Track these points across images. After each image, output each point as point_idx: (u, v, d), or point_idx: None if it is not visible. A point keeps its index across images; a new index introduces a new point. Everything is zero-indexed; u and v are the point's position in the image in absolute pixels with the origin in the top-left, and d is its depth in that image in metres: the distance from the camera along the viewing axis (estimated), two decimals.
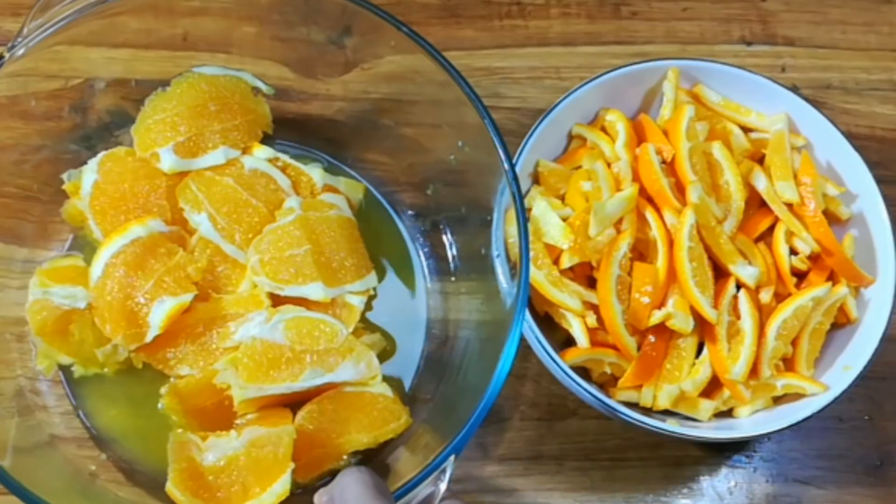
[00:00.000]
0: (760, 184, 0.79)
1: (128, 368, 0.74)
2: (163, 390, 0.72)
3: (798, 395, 0.76)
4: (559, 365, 0.72)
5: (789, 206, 0.79)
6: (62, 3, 0.69)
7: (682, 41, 0.94)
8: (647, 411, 0.75)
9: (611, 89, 0.81)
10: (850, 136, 0.80)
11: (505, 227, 0.68)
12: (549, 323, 0.77)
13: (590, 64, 0.91)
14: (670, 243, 0.76)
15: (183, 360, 0.73)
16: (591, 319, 0.75)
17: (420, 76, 0.76)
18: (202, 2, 0.83)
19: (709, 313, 0.74)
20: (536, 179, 0.81)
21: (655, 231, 0.76)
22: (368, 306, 0.77)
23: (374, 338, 0.77)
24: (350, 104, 0.83)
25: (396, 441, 0.73)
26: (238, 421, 0.72)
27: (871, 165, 0.79)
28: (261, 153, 0.78)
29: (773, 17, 0.95)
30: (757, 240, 0.79)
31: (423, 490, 0.60)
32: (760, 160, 0.82)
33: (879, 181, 0.79)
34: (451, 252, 0.81)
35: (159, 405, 0.72)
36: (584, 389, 0.72)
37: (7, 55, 0.68)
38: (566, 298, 0.75)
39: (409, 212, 0.82)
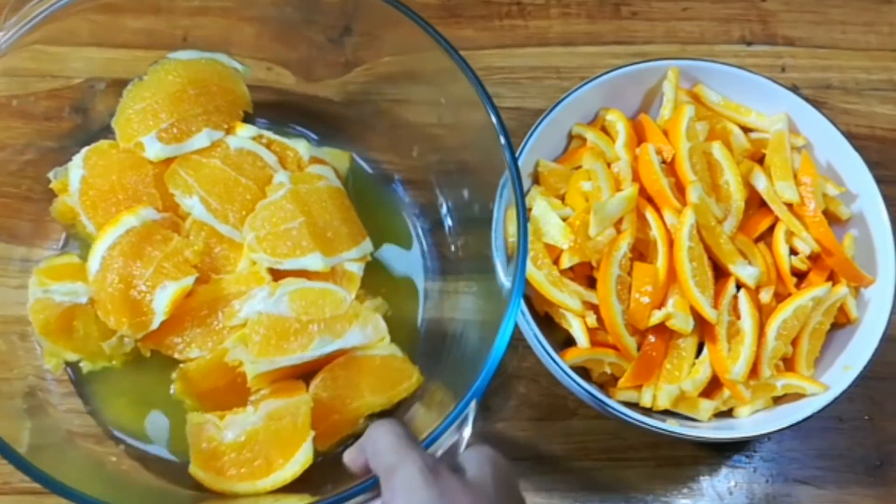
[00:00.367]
0: (760, 184, 0.79)
1: (136, 359, 0.75)
2: (174, 376, 0.73)
3: (798, 395, 0.76)
4: (559, 365, 0.72)
5: (789, 206, 0.79)
6: (32, 2, 0.69)
7: (682, 41, 0.94)
8: (647, 411, 0.75)
9: (611, 89, 0.81)
10: (850, 136, 0.80)
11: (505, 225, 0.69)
12: (549, 323, 0.77)
13: (590, 64, 0.91)
14: (670, 243, 0.76)
15: (191, 344, 0.73)
16: (591, 319, 0.75)
17: (420, 74, 0.76)
18: (202, 2, 0.83)
19: (709, 313, 0.74)
20: (536, 179, 0.81)
21: (655, 231, 0.76)
22: (366, 270, 0.78)
23: (377, 302, 0.77)
24: (350, 97, 0.83)
25: (410, 400, 0.74)
26: (253, 397, 0.72)
27: (871, 165, 0.79)
28: (244, 132, 0.79)
29: (773, 17, 0.95)
30: (757, 240, 0.79)
31: (448, 439, 0.60)
32: (760, 160, 0.82)
33: (879, 181, 0.79)
34: (447, 223, 0.82)
35: (171, 391, 0.73)
36: (584, 389, 0.72)
37: None
38: (566, 298, 0.75)
39: (398, 176, 0.83)
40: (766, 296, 0.77)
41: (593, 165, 0.78)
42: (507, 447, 0.79)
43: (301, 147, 0.79)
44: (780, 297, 0.78)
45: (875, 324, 0.76)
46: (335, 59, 0.82)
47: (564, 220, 0.77)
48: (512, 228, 0.66)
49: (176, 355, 0.73)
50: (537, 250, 0.76)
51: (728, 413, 0.77)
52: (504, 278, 0.66)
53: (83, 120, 0.80)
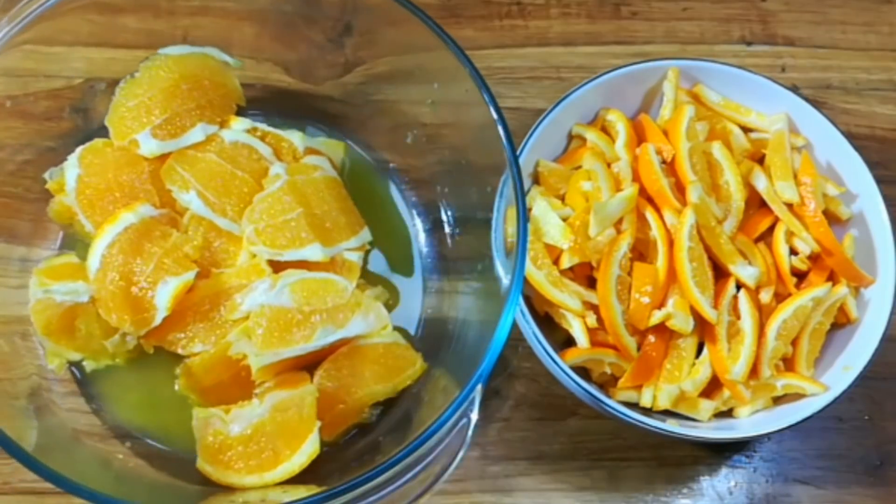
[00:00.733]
0: (760, 184, 0.79)
1: (139, 356, 0.75)
2: (178, 371, 0.73)
3: (798, 395, 0.76)
4: (559, 365, 0.72)
5: (789, 206, 0.79)
6: (21, 3, 0.69)
7: (682, 41, 0.94)
8: (647, 411, 0.75)
9: (611, 89, 0.81)
10: (850, 136, 0.80)
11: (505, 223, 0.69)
12: (549, 323, 0.77)
13: (590, 64, 0.91)
14: (670, 243, 0.76)
15: (194, 339, 0.74)
16: (591, 319, 0.75)
17: (421, 73, 0.76)
18: (202, 2, 0.83)
19: (709, 313, 0.74)
20: (536, 179, 0.81)
21: (655, 231, 0.76)
22: (365, 261, 0.79)
23: (377, 290, 0.78)
24: (350, 96, 0.83)
25: (414, 388, 0.74)
26: (257, 390, 0.73)
27: (871, 165, 0.79)
28: (238, 125, 0.79)
29: (773, 17, 0.95)
30: (757, 240, 0.79)
31: (457, 422, 0.61)
32: (760, 160, 0.82)
33: (879, 181, 0.79)
34: (447, 223, 0.82)
35: (175, 387, 0.73)
36: (584, 389, 0.72)
37: None
38: (566, 298, 0.75)
39: (398, 175, 0.84)
40: (766, 296, 0.77)
41: (593, 165, 0.78)
42: (507, 447, 0.79)
43: (296, 138, 0.79)
44: (780, 297, 0.78)
45: (875, 324, 0.76)
46: (335, 58, 0.82)
47: (564, 220, 0.77)
48: (512, 228, 0.66)
49: (179, 351, 0.74)
50: (537, 250, 0.76)
51: (728, 413, 0.77)
52: (504, 277, 0.66)
53: (83, 120, 0.80)
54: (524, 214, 0.65)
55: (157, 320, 0.72)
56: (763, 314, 0.77)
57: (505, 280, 0.66)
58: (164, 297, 0.72)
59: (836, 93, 0.93)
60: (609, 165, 0.79)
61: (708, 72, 0.82)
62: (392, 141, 0.83)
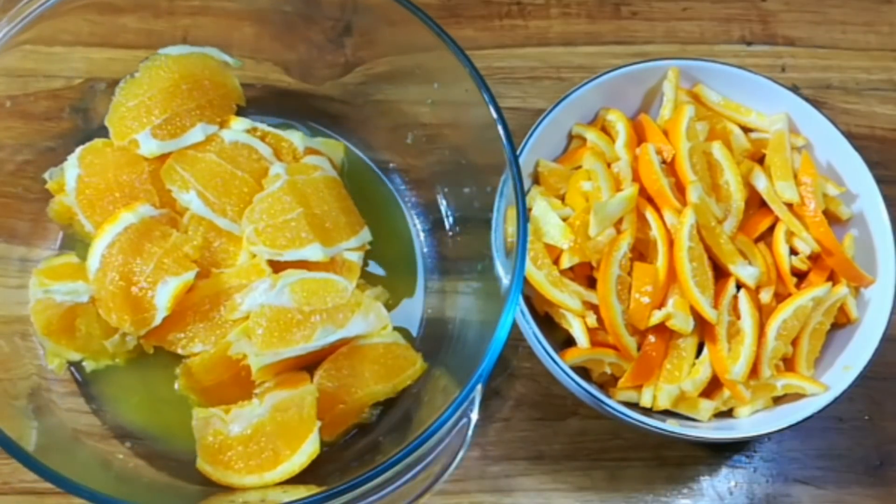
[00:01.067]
0: (760, 184, 0.79)
1: (139, 356, 0.75)
2: (177, 371, 0.74)
3: (798, 395, 0.76)
4: (559, 365, 0.72)
5: (789, 206, 0.79)
6: (21, 3, 0.69)
7: (682, 41, 0.94)
8: (647, 411, 0.75)
9: (611, 89, 0.81)
10: (850, 136, 0.80)
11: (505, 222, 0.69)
12: (549, 323, 0.77)
13: (590, 64, 0.91)
14: (670, 243, 0.76)
15: (194, 339, 0.74)
16: (591, 319, 0.75)
17: (421, 73, 0.76)
18: (202, 2, 0.83)
19: (709, 313, 0.74)
20: (536, 179, 0.81)
21: (655, 231, 0.76)
22: (365, 261, 0.79)
23: (377, 290, 0.78)
24: (350, 96, 0.83)
25: (414, 388, 0.74)
26: (257, 390, 0.73)
27: (871, 165, 0.79)
28: (238, 125, 0.79)
29: (773, 17, 0.95)
30: (757, 240, 0.79)
31: (457, 422, 0.61)
32: (760, 160, 0.82)
33: (879, 181, 0.79)
34: (447, 223, 0.82)
35: (175, 387, 0.73)
36: (584, 389, 0.72)
37: None
38: (566, 298, 0.75)
39: (398, 175, 0.84)
40: (766, 296, 0.77)
41: (593, 165, 0.78)
42: (507, 447, 0.79)
43: (295, 138, 0.79)
44: (780, 297, 0.78)
45: (875, 324, 0.76)
46: (335, 58, 0.82)
47: (564, 220, 0.77)
48: (512, 228, 0.66)
49: (179, 351, 0.74)
50: (537, 250, 0.76)
51: (728, 413, 0.77)
52: (504, 277, 0.66)
53: (83, 120, 0.80)
54: (524, 214, 0.65)
55: (157, 320, 0.72)
56: (763, 314, 0.77)
57: (505, 280, 0.66)
58: (164, 297, 0.72)
59: (836, 93, 0.93)
60: (609, 165, 0.79)
61: (708, 72, 0.82)
62: (392, 141, 0.83)
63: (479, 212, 0.74)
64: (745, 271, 0.76)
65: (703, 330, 0.76)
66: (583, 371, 0.76)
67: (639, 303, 0.74)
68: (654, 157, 0.78)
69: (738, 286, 0.77)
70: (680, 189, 0.78)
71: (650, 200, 0.78)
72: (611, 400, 0.73)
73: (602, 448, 0.80)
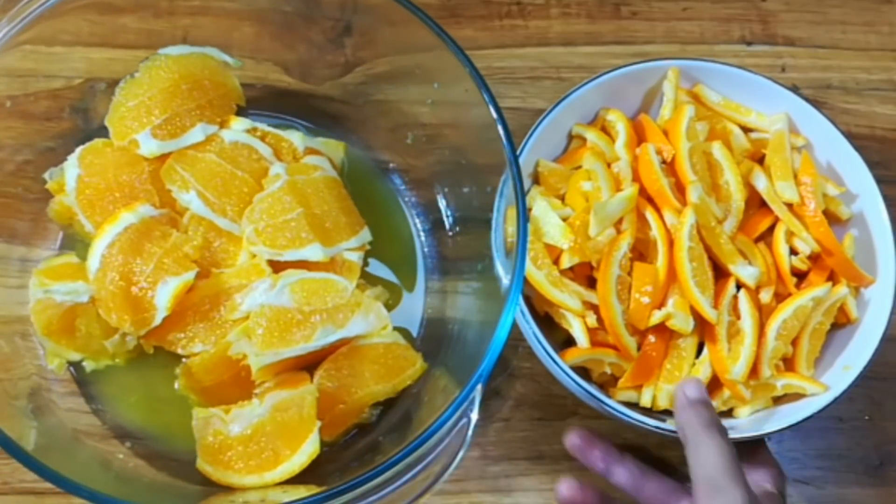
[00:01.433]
0: (760, 184, 0.79)
1: (139, 356, 0.75)
2: (177, 371, 0.74)
3: (798, 395, 0.76)
4: (559, 365, 0.72)
5: (789, 206, 0.79)
6: (21, 3, 0.69)
7: (682, 41, 0.94)
8: (647, 411, 0.75)
9: (611, 89, 0.81)
10: (850, 136, 0.80)
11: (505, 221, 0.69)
12: (549, 323, 0.77)
13: (590, 64, 0.91)
14: (670, 243, 0.76)
15: (194, 339, 0.74)
16: (591, 319, 0.75)
17: (421, 73, 0.76)
18: (202, 2, 0.83)
19: (709, 313, 0.74)
20: (536, 179, 0.81)
21: (655, 231, 0.76)
22: (365, 261, 0.79)
23: (377, 290, 0.78)
24: (350, 96, 0.83)
25: (414, 388, 0.74)
26: (257, 390, 0.73)
27: (871, 165, 0.79)
28: (238, 125, 0.79)
29: (773, 17, 0.95)
30: (757, 240, 0.79)
31: (457, 422, 0.61)
32: (760, 160, 0.82)
33: (879, 181, 0.79)
34: (447, 223, 0.82)
35: (175, 387, 0.73)
36: (584, 389, 0.72)
37: None
38: (566, 298, 0.75)
39: (398, 175, 0.84)
40: (766, 296, 0.77)
41: (593, 165, 0.78)
42: (507, 447, 0.79)
43: (295, 138, 0.79)
44: (780, 297, 0.78)
45: (875, 324, 0.76)
46: (335, 58, 0.82)
47: (564, 220, 0.77)
48: (512, 228, 0.66)
49: (179, 351, 0.74)
50: (537, 250, 0.76)
51: (728, 413, 0.77)
52: (504, 277, 0.66)
53: (83, 120, 0.80)
54: (524, 214, 0.65)
55: (157, 320, 0.72)
56: (763, 314, 0.77)
57: (505, 280, 0.66)
58: (164, 297, 0.72)
59: (836, 93, 0.93)
60: (609, 165, 0.79)
61: (708, 72, 0.83)
62: (392, 141, 0.83)
63: (479, 212, 0.74)
64: (745, 271, 0.76)
65: (703, 330, 0.76)
66: (583, 371, 0.76)
67: (639, 303, 0.74)
68: (654, 157, 0.78)
69: (738, 286, 0.77)
70: (680, 189, 0.78)
71: (650, 200, 0.78)
72: (611, 400, 0.73)
73: None
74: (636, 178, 0.78)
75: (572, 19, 0.93)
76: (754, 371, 0.75)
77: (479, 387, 0.61)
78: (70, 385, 0.75)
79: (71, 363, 0.75)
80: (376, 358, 0.74)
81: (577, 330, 0.75)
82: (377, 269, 0.80)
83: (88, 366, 0.75)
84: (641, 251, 0.78)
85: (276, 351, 0.71)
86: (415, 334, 0.79)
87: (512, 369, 0.82)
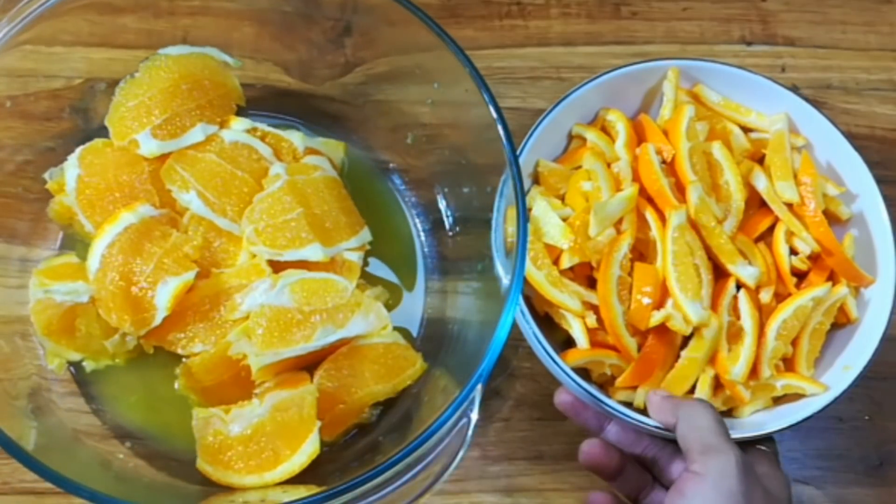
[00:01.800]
0: (760, 184, 0.79)
1: (139, 356, 0.75)
2: (177, 371, 0.74)
3: (798, 395, 0.76)
4: (559, 365, 0.72)
5: (789, 205, 0.79)
6: (21, 3, 0.69)
7: (682, 41, 0.94)
8: (647, 411, 0.75)
9: (611, 89, 0.81)
10: (850, 136, 0.80)
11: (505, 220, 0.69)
12: (549, 323, 0.77)
13: (590, 64, 0.91)
14: None
15: (194, 339, 0.74)
16: (591, 320, 0.75)
17: (421, 73, 0.76)
18: (202, 2, 0.83)
19: (690, 314, 0.73)
20: (536, 179, 0.81)
21: (655, 231, 0.76)
22: (365, 261, 0.79)
23: (377, 290, 0.78)
24: (350, 96, 0.83)
25: (414, 388, 0.75)
26: (257, 390, 0.73)
27: (871, 165, 0.79)
28: (238, 125, 0.79)
29: (773, 17, 0.95)
30: (757, 240, 0.79)
31: (457, 422, 0.61)
32: (760, 160, 0.82)
33: (879, 181, 0.79)
34: (447, 223, 0.82)
35: (175, 387, 0.73)
36: (584, 389, 0.72)
37: None
38: (566, 299, 0.75)
39: (398, 175, 0.84)
40: (766, 296, 0.77)
41: (593, 165, 0.78)
42: (507, 447, 0.79)
43: (295, 138, 0.79)
44: (780, 297, 0.78)
45: (875, 324, 0.76)
46: (335, 58, 0.82)
47: (564, 220, 0.77)
48: (512, 228, 0.66)
49: (179, 351, 0.74)
50: (537, 250, 0.76)
51: (728, 413, 0.77)
52: (504, 277, 0.66)
53: (83, 120, 0.80)
54: (524, 214, 0.65)
55: (157, 320, 0.72)
56: (763, 314, 0.77)
57: (505, 280, 0.66)
58: (164, 296, 0.72)
59: (836, 93, 0.93)
60: (609, 165, 0.79)
61: (708, 72, 0.82)
62: (392, 141, 0.83)
63: (479, 212, 0.74)
64: (745, 271, 0.76)
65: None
66: (583, 371, 0.76)
67: (640, 303, 0.74)
68: (654, 157, 0.78)
69: (738, 286, 0.77)
70: (680, 189, 0.78)
71: (650, 200, 0.78)
72: (611, 400, 0.73)
73: None
74: (636, 178, 0.78)
75: (572, 19, 0.93)
76: (754, 371, 0.75)
77: (479, 387, 0.61)
78: (70, 385, 0.75)
79: (71, 363, 0.75)
80: (376, 358, 0.74)
81: (577, 330, 0.75)
82: (377, 268, 0.80)
83: (88, 366, 0.75)
84: (641, 251, 0.78)
85: (276, 351, 0.71)
86: (415, 334, 0.79)
87: (512, 369, 0.82)
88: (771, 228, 0.80)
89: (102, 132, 0.77)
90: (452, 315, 0.79)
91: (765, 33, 0.95)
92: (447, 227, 0.81)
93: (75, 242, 0.78)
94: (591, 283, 0.77)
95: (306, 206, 0.75)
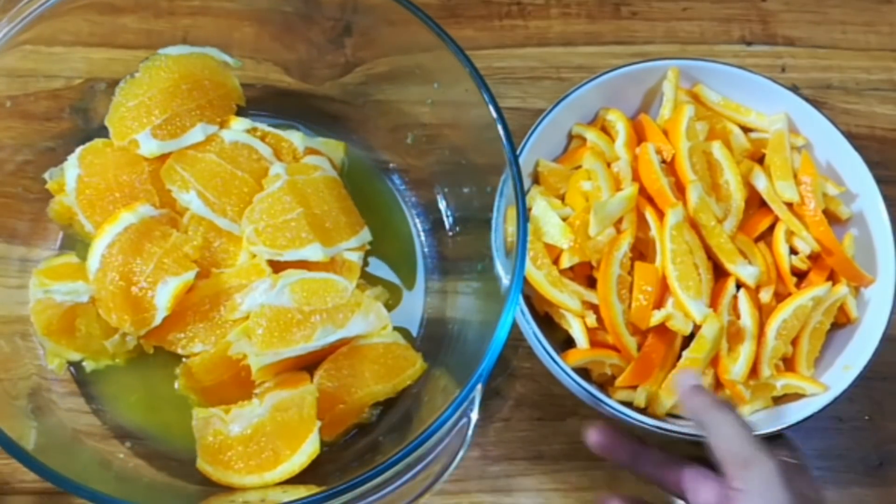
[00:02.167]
0: (760, 183, 0.79)
1: (139, 356, 0.75)
2: (177, 371, 0.74)
3: (798, 395, 0.76)
4: (559, 365, 0.72)
5: (789, 205, 0.79)
6: (21, 3, 0.69)
7: (682, 41, 0.94)
8: (646, 411, 0.75)
9: (611, 89, 0.81)
10: (850, 136, 0.80)
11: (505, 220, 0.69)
12: (549, 323, 0.77)
13: (590, 64, 0.91)
14: None
15: (194, 339, 0.74)
16: (591, 319, 0.75)
17: (421, 73, 0.76)
18: (202, 2, 0.83)
19: (693, 313, 0.73)
20: (536, 179, 0.81)
21: (655, 231, 0.76)
22: (365, 261, 0.79)
23: (377, 290, 0.78)
24: (350, 96, 0.83)
25: (414, 388, 0.75)
26: (257, 390, 0.73)
27: (871, 165, 0.79)
28: (238, 125, 0.79)
29: (773, 17, 0.95)
30: (757, 239, 0.79)
31: (457, 422, 0.61)
32: (760, 160, 0.82)
33: (879, 181, 0.79)
34: (447, 223, 0.82)
35: (175, 387, 0.73)
36: (584, 389, 0.72)
37: None
38: (566, 299, 0.75)
39: (398, 175, 0.84)
40: (766, 295, 0.77)
41: (593, 165, 0.78)
42: (507, 447, 0.79)
43: (295, 138, 0.79)
44: (780, 297, 0.78)
45: (875, 324, 0.76)
46: (335, 58, 0.82)
47: (564, 220, 0.77)
48: (512, 228, 0.66)
49: (179, 351, 0.74)
50: (537, 250, 0.76)
51: None
52: (504, 277, 0.66)
53: (83, 120, 0.80)
54: (524, 214, 0.65)
55: (157, 320, 0.72)
56: (763, 314, 0.77)
57: (505, 280, 0.66)
58: (164, 296, 0.72)
59: (836, 93, 0.93)
60: (609, 165, 0.79)
61: (708, 72, 0.83)
62: (392, 141, 0.83)
63: (479, 212, 0.74)
64: (745, 271, 0.76)
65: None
66: (583, 371, 0.76)
67: (641, 302, 0.74)
68: (653, 156, 0.78)
69: (738, 286, 0.77)
70: (680, 189, 0.78)
71: (650, 200, 0.78)
72: (611, 400, 0.73)
73: None
74: (636, 177, 0.78)
75: (572, 19, 0.93)
76: (754, 371, 0.75)
77: (479, 387, 0.61)
78: (70, 385, 0.75)
79: (71, 363, 0.75)
80: (376, 358, 0.74)
81: (577, 330, 0.75)
82: (377, 268, 0.80)
83: (88, 366, 0.75)
84: (641, 251, 0.78)
85: (276, 351, 0.71)
86: (415, 334, 0.79)
87: (512, 369, 0.82)
88: (771, 228, 0.80)
89: (102, 132, 0.77)
90: (452, 315, 0.79)
91: (765, 33, 0.95)
92: (447, 227, 0.81)
93: (75, 242, 0.78)
94: (591, 283, 0.77)
95: (306, 206, 0.75)
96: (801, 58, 0.94)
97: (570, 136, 0.83)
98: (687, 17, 0.95)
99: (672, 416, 0.76)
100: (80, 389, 0.75)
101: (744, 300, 0.76)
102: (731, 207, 0.78)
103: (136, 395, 0.75)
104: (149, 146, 0.75)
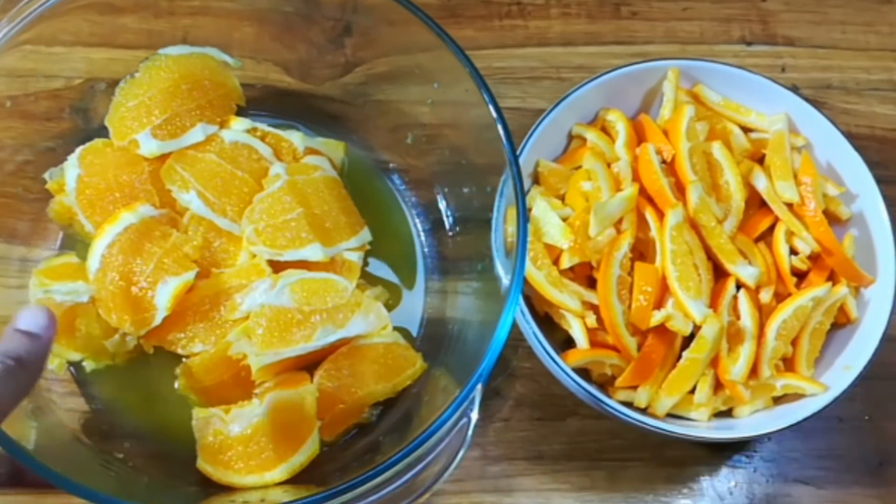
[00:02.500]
0: (760, 184, 0.79)
1: (139, 356, 0.75)
2: (177, 371, 0.74)
3: (798, 395, 0.76)
4: (559, 365, 0.72)
5: (789, 205, 0.79)
6: (21, 3, 0.69)
7: (682, 41, 0.94)
8: (646, 411, 0.75)
9: (611, 89, 0.81)
10: (850, 136, 0.80)
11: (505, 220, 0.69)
12: (549, 323, 0.77)
13: (590, 64, 0.91)
14: None
15: (194, 339, 0.74)
16: (591, 320, 0.75)
17: (421, 73, 0.76)
18: (202, 2, 0.83)
19: (694, 314, 0.73)
20: (536, 179, 0.81)
21: (655, 231, 0.76)
22: (365, 261, 0.79)
23: (377, 290, 0.78)
24: (350, 96, 0.83)
25: (414, 388, 0.74)
26: (257, 390, 0.73)
27: (871, 165, 0.79)
28: (238, 125, 0.79)
29: (773, 17, 0.95)
30: (757, 240, 0.79)
31: (457, 422, 0.61)
32: (760, 160, 0.82)
33: (879, 181, 0.79)
34: (447, 223, 0.82)
35: (175, 387, 0.73)
36: (584, 389, 0.72)
37: None
38: (566, 299, 0.75)
39: (398, 175, 0.84)
40: (766, 296, 0.77)
41: (593, 165, 0.78)
42: (507, 447, 0.79)
43: (295, 138, 0.79)
44: (780, 297, 0.78)
45: (875, 324, 0.76)
46: (335, 58, 0.82)
47: (564, 220, 0.77)
48: (512, 228, 0.66)
49: (179, 351, 0.74)
50: (537, 250, 0.76)
51: (728, 413, 0.77)
52: (504, 277, 0.66)
53: (83, 120, 0.80)
54: (524, 214, 0.65)
55: (157, 320, 0.72)
56: (763, 314, 0.77)
57: (505, 280, 0.66)
58: (164, 296, 0.72)
59: (836, 93, 0.93)
60: (609, 165, 0.79)
61: (708, 72, 0.83)
62: (392, 141, 0.83)
63: (479, 212, 0.74)
64: (745, 271, 0.76)
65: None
66: (583, 371, 0.76)
67: (641, 303, 0.74)
68: (654, 157, 0.78)
69: (738, 286, 0.77)
70: (680, 189, 0.78)
71: (650, 200, 0.78)
72: (611, 400, 0.73)
73: (602, 448, 0.80)
74: (636, 178, 0.78)
75: (572, 19, 0.93)
76: (754, 371, 0.75)
77: (479, 387, 0.61)
78: (70, 385, 0.75)
79: (71, 363, 0.75)
80: (376, 358, 0.74)
81: (577, 330, 0.75)
82: (377, 268, 0.80)
83: (88, 366, 0.75)
84: (641, 251, 0.78)
85: (276, 351, 0.71)
86: (415, 334, 0.79)
87: (512, 369, 0.82)
88: (771, 228, 0.80)
89: (102, 132, 0.77)
90: (452, 315, 0.79)
91: (765, 33, 0.95)
92: (447, 227, 0.81)
93: (75, 242, 0.78)
94: (591, 283, 0.77)
95: (306, 206, 0.75)
96: (801, 58, 0.94)
97: (570, 137, 0.83)
98: (687, 17, 0.95)
99: (672, 416, 0.76)
100: (80, 389, 0.75)
101: (744, 300, 0.76)
102: (732, 208, 0.78)
103: (136, 395, 0.75)
104: (149, 146, 0.75)
